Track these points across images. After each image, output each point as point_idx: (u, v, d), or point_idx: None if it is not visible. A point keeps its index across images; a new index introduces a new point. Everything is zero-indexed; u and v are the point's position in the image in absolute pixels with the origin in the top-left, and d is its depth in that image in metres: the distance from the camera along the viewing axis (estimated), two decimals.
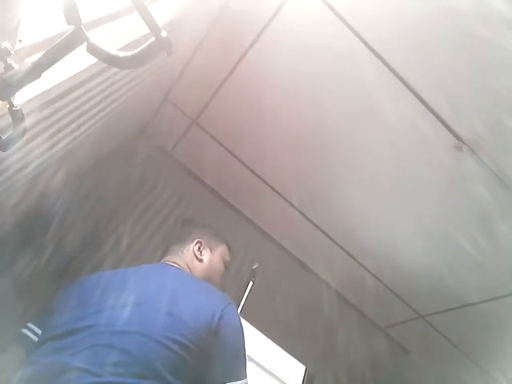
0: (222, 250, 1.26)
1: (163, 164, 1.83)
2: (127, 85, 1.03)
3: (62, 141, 0.91)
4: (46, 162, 0.94)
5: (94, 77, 0.78)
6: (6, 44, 0.48)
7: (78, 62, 0.68)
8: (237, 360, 0.87)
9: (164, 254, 1.19)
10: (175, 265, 1.10)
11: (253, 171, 1.80)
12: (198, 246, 1.20)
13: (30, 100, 0.61)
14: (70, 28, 0.49)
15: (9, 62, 0.48)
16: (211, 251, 1.22)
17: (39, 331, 0.88)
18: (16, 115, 0.53)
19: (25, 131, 0.55)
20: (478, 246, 1.58)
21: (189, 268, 1.12)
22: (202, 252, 1.20)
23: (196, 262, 1.16)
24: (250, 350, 1.98)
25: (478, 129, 1.30)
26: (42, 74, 0.51)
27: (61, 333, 0.80)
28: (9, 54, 0.48)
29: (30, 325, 0.90)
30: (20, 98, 0.59)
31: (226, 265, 1.26)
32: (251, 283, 1.71)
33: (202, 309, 0.86)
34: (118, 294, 0.87)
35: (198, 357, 0.79)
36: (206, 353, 0.81)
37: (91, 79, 0.77)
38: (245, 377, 0.86)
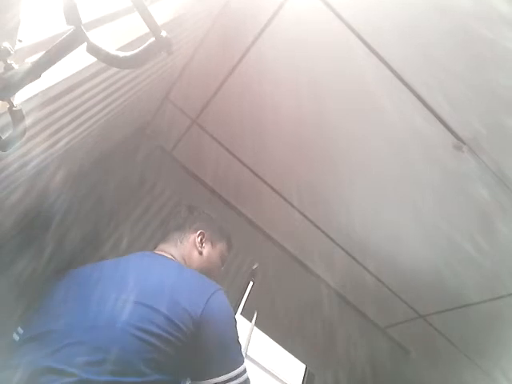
0: (222, 245, 1.21)
1: (163, 164, 1.83)
2: (127, 84, 1.03)
3: (63, 139, 0.91)
4: (46, 161, 0.94)
5: (95, 75, 0.78)
6: (6, 44, 0.48)
7: (78, 60, 0.68)
8: (228, 349, 0.83)
9: (162, 240, 1.14)
10: (167, 255, 1.06)
11: (253, 171, 1.80)
12: (200, 237, 1.14)
13: (30, 98, 0.61)
14: (70, 28, 0.49)
15: (9, 62, 0.48)
16: (212, 245, 1.17)
17: None
18: (16, 115, 0.53)
19: (25, 131, 0.55)
20: (478, 245, 1.58)
21: (184, 260, 1.08)
22: (203, 244, 1.15)
23: (195, 253, 1.11)
24: (250, 350, 1.98)
25: (478, 129, 1.30)
26: (42, 74, 0.51)
27: (41, 331, 0.79)
28: (9, 54, 0.48)
29: (20, 329, 0.88)
30: (20, 96, 0.58)
31: (224, 261, 1.22)
32: (251, 283, 1.71)
33: (184, 300, 0.82)
34: (97, 290, 0.85)
35: (182, 350, 0.77)
36: (193, 345, 0.78)
37: (92, 78, 0.77)
38: (240, 364, 0.82)
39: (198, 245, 1.13)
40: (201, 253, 1.12)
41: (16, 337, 0.87)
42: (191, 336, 0.78)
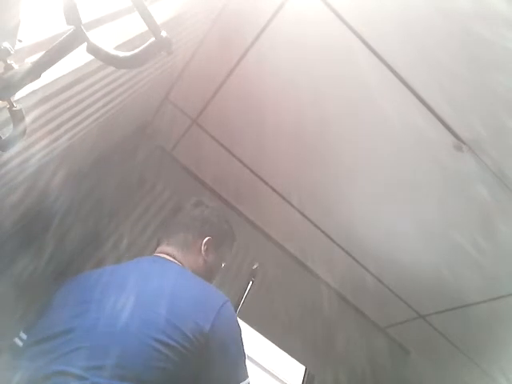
0: (226, 254, 1.19)
1: (163, 164, 1.83)
2: (127, 82, 1.03)
3: (63, 136, 0.91)
4: (47, 158, 0.93)
5: (95, 72, 0.78)
6: (5, 44, 0.48)
7: (78, 57, 0.68)
8: (235, 362, 0.84)
9: (166, 240, 1.10)
10: (172, 259, 1.04)
11: (253, 171, 1.80)
12: (206, 246, 1.11)
13: (31, 93, 0.61)
14: (70, 28, 0.49)
15: (9, 62, 0.48)
16: (217, 251, 1.14)
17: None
18: (16, 115, 0.53)
19: (25, 131, 0.55)
20: (478, 246, 1.58)
21: (189, 266, 1.06)
22: (209, 252, 1.11)
23: (200, 260, 1.09)
24: (250, 349, 1.98)
25: (478, 129, 1.30)
26: (42, 74, 0.51)
27: (47, 335, 0.79)
28: (9, 54, 0.48)
29: (22, 334, 0.88)
30: (21, 92, 0.58)
31: (225, 261, 1.21)
32: (251, 283, 1.71)
33: (194, 311, 0.82)
34: (105, 294, 0.84)
35: (190, 360, 0.77)
36: (199, 356, 0.78)
37: (92, 74, 0.77)
38: (245, 377, 0.83)
39: (203, 253, 1.10)
40: (206, 261, 1.10)
41: (19, 342, 0.86)
42: (199, 347, 0.78)
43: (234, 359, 0.84)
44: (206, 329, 0.80)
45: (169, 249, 1.08)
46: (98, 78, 0.81)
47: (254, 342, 1.90)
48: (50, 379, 0.70)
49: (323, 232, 1.90)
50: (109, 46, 0.52)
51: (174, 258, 1.05)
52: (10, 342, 0.88)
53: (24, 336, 0.87)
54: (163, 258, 1.05)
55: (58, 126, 0.83)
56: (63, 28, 0.53)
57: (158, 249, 1.10)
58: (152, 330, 0.76)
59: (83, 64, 0.70)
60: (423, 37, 1.18)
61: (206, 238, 1.12)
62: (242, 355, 0.86)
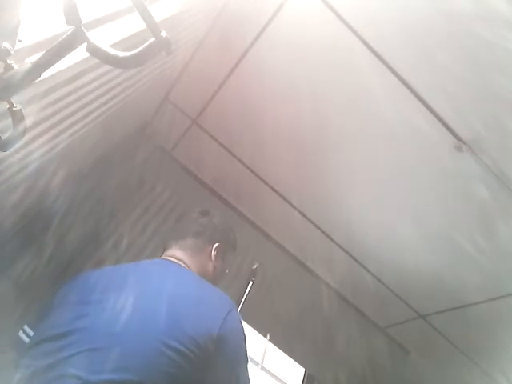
0: (229, 261, 1.21)
1: (163, 164, 1.83)
2: (127, 81, 1.03)
3: (63, 133, 0.90)
4: (47, 156, 0.93)
5: (94, 68, 0.77)
6: (6, 44, 0.48)
7: (77, 53, 0.68)
8: (239, 367, 0.85)
9: (175, 246, 1.10)
10: (180, 262, 1.04)
11: (253, 171, 1.80)
12: (216, 251, 1.13)
13: (30, 88, 0.61)
14: (70, 28, 0.50)
15: (9, 62, 0.48)
16: (224, 258, 1.16)
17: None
18: (16, 115, 0.53)
19: (25, 131, 0.55)
20: (478, 246, 1.58)
21: (198, 271, 1.06)
22: (218, 258, 1.13)
23: (210, 266, 1.11)
24: (250, 350, 1.98)
25: (478, 129, 1.30)
26: (42, 74, 0.51)
27: (55, 334, 0.78)
28: (9, 54, 0.48)
29: (27, 328, 0.88)
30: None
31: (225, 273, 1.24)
32: (251, 283, 1.71)
33: (203, 316, 0.83)
34: (116, 295, 0.84)
35: (196, 365, 0.77)
36: (205, 361, 0.78)
37: (90, 71, 0.77)
38: (248, 382, 0.85)
39: (213, 259, 1.12)
40: (215, 266, 1.12)
41: (23, 336, 0.86)
42: (207, 352, 0.79)
43: (238, 364, 0.85)
44: (215, 335, 0.80)
45: (178, 253, 1.08)
46: (97, 74, 0.81)
47: (254, 342, 1.90)
48: (58, 380, 0.70)
49: (323, 232, 1.90)
50: (108, 46, 0.52)
51: (182, 261, 1.06)
52: (13, 338, 0.87)
53: (29, 330, 0.86)
54: (171, 260, 1.05)
55: (60, 121, 0.83)
56: (63, 28, 0.53)
57: (166, 252, 1.10)
58: (164, 336, 0.75)
59: (81, 60, 0.70)
60: (424, 38, 1.18)
61: (216, 244, 1.14)
62: (245, 360, 0.88)
